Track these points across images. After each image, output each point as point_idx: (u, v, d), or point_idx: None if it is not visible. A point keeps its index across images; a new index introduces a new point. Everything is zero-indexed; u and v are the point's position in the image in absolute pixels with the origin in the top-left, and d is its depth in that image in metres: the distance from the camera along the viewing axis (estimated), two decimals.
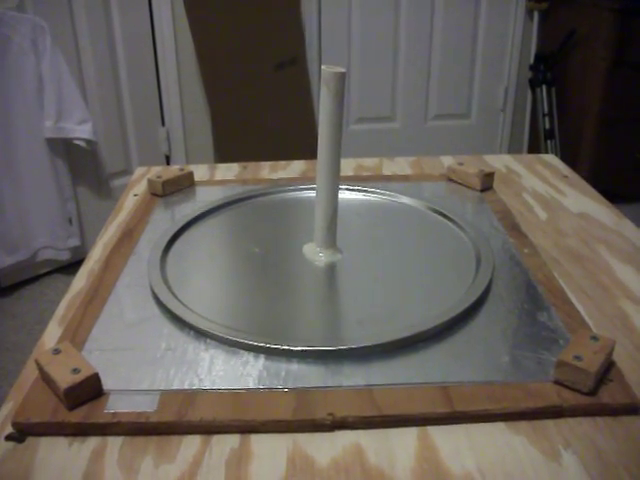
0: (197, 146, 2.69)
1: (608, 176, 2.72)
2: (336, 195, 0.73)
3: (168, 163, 2.68)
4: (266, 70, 2.51)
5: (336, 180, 0.72)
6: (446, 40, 2.84)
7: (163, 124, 2.61)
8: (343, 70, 0.67)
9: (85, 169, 2.35)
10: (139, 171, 1.10)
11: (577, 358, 0.55)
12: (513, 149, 3.06)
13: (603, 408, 0.54)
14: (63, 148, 2.21)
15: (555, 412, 0.54)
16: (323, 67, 0.67)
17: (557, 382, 0.56)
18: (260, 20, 2.49)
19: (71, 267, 2.38)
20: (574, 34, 2.64)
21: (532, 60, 2.87)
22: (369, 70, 2.83)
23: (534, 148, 2.95)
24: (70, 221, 2.29)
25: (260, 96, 2.51)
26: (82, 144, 2.19)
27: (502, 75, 2.94)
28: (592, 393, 0.54)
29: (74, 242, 2.31)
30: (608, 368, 0.57)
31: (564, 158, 2.76)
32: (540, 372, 0.57)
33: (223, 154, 2.63)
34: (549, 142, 2.79)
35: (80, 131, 2.14)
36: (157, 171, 1.02)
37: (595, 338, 0.58)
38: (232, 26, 2.44)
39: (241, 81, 2.44)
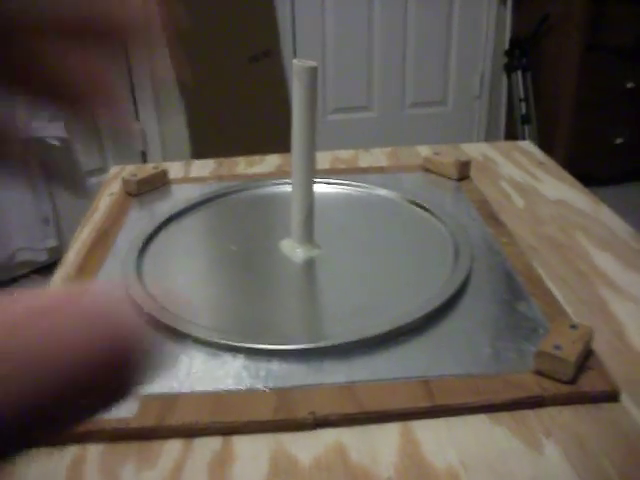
0: (173, 141, 2.67)
1: (585, 160, 2.74)
2: (312, 190, 0.72)
3: (144, 159, 2.66)
4: (240, 63, 2.50)
5: (311, 175, 0.71)
6: (420, 27, 2.83)
7: (137, 119, 2.59)
8: (315, 64, 0.67)
9: (59, 168, 2.32)
10: (114, 170, 1.09)
11: (556, 347, 0.55)
12: (490, 135, 3.08)
13: (583, 396, 0.54)
14: (35, 147, 2.18)
15: (536, 402, 0.54)
16: (294, 61, 0.67)
17: (537, 372, 0.56)
18: (232, 12, 2.48)
19: (49, 268, 2.36)
20: (547, 18, 2.65)
21: (507, 46, 2.88)
22: (344, 60, 2.83)
23: (511, 133, 2.96)
24: (47, 221, 2.27)
25: (234, 89, 2.50)
26: (55, 142, 2.16)
27: (477, 61, 2.95)
28: (572, 382, 0.55)
29: (51, 242, 2.29)
30: (587, 356, 0.58)
31: (541, 143, 2.78)
32: (520, 363, 0.57)
33: (199, 148, 2.61)
34: (526, 127, 2.80)
35: (52, 129, 2.11)
36: (131, 170, 1.01)
37: (574, 327, 0.58)
38: (204, 19, 2.42)
39: (215, 74, 2.42)
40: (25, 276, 2.35)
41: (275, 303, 0.68)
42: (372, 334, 0.59)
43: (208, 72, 2.43)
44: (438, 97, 2.99)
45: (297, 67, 0.66)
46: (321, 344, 0.59)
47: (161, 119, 2.61)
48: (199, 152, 2.61)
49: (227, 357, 0.59)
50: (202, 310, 0.67)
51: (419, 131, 3.01)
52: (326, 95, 2.88)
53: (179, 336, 0.62)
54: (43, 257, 2.30)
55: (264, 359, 0.59)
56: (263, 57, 2.57)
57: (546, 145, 2.77)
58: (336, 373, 0.57)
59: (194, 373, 0.58)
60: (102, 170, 2.44)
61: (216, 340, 0.60)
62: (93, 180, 2.42)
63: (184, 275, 0.74)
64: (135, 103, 2.56)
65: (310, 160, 0.70)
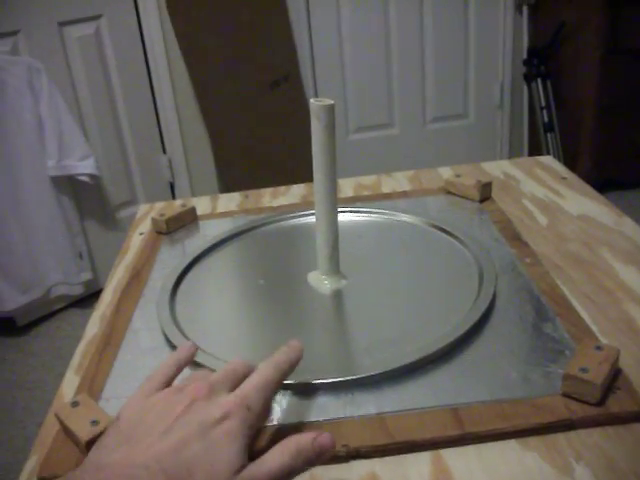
0: (200, 171, 2.71)
1: (610, 165, 2.73)
2: (336, 223, 0.74)
3: (172, 190, 2.71)
4: (261, 89, 2.54)
5: (334, 209, 0.73)
6: (437, 42, 2.85)
7: (164, 152, 2.64)
8: (332, 102, 0.69)
9: (91, 203, 2.38)
10: (143, 208, 1.12)
11: (583, 370, 0.56)
12: (513, 145, 3.07)
13: (612, 418, 0.55)
14: (68, 184, 2.24)
15: (565, 425, 0.55)
16: (311, 101, 0.69)
17: (565, 395, 0.57)
18: (251, 40, 2.52)
19: (85, 300, 2.41)
20: (564, 25, 2.65)
21: (525, 55, 2.88)
22: (364, 79, 2.85)
23: (534, 142, 2.96)
24: (80, 255, 2.32)
25: (258, 115, 2.53)
26: (86, 179, 2.22)
27: (496, 72, 2.95)
28: (600, 403, 0.55)
29: (86, 276, 2.34)
30: (615, 376, 0.58)
31: (565, 150, 2.77)
32: (548, 386, 0.58)
33: (225, 176, 2.65)
34: (549, 135, 2.80)
35: (83, 167, 2.16)
36: (160, 208, 1.04)
37: (599, 348, 0.59)
38: (223, 48, 2.46)
39: (237, 101, 2.46)
40: (63, 310, 2.41)
41: (304, 336, 0.69)
42: (399, 364, 0.61)
43: (231, 99, 2.47)
44: (459, 110, 3.00)
45: (314, 106, 0.68)
46: (350, 377, 0.60)
47: (187, 149, 2.65)
48: (226, 180, 2.64)
49: None
50: (235, 347, 0.69)
51: (442, 145, 3.02)
52: (347, 114, 2.91)
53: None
54: (79, 290, 2.35)
55: (296, 393, 0.60)
56: (283, 82, 2.61)
57: (570, 152, 2.76)
58: (366, 404, 0.58)
59: None
60: (132, 202, 2.49)
61: None
62: (123, 212, 2.47)
63: (216, 312, 0.76)
64: (161, 134, 2.61)
65: (332, 194, 0.72)
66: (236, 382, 0.47)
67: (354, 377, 0.60)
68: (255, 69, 2.52)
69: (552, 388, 0.58)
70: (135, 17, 2.42)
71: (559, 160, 2.79)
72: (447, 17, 2.82)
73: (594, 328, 0.67)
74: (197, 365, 0.65)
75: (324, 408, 0.58)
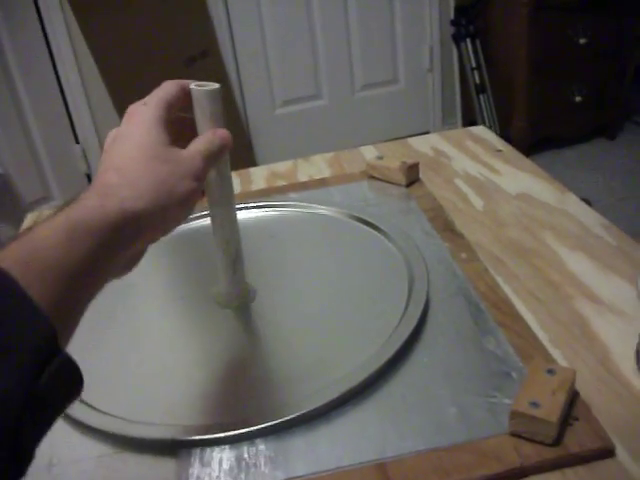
0: None
1: (546, 122, 2.66)
2: (236, 229, 0.61)
3: (90, 181, 2.53)
4: (176, 67, 2.37)
5: (232, 212, 0.61)
6: (362, 7, 2.72)
7: (77, 141, 2.45)
8: (216, 85, 0.56)
9: (0, 204, 2.19)
10: (30, 218, 0.98)
11: (534, 405, 0.45)
12: (446, 108, 2.98)
13: (571, 458, 0.45)
14: None
15: (516, 474, 0.45)
16: (192, 86, 0.56)
17: (514, 434, 0.46)
18: (162, 17, 2.35)
19: None
20: None
21: (452, 15, 2.78)
22: (287, 50, 2.71)
23: (467, 105, 2.87)
24: None
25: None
26: None
27: (424, 34, 2.84)
28: (556, 442, 0.45)
29: None
30: (572, 402, 0.48)
31: (499, 110, 2.69)
32: (493, 422, 0.48)
33: None
34: (481, 96, 2.71)
35: None
36: (49, 215, 0.90)
37: (552, 371, 0.48)
38: (131, 27, 2.29)
39: (151, 81, 2.26)
40: None
41: (203, 375, 0.57)
42: (312, 407, 0.49)
43: (142, 78, 2.29)
44: (388, 76, 2.88)
45: (196, 92, 0.56)
46: (252, 427, 0.49)
47: (101, 137, 2.47)
48: None
49: (149, 453, 0.49)
50: (122, 395, 0.56)
51: (373, 113, 2.91)
52: (273, 89, 2.76)
53: (99, 435, 0.52)
54: None
55: (183, 454, 0.48)
56: (200, 58, 2.45)
57: (505, 112, 2.69)
58: (272, 465, 0.47)
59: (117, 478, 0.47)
60: (47, 199, 2.31)
61: (135, 435, 0.50)
62: (39, 210, 2.29)
63: (99, 346, 0.63)
64: (72, 123, 2.42)
65: (227, 195, 0.59)
66: None
67: (256, 428, 0.49)
68: (167, 46, 2.35)
69: (498, 425, 0.47)
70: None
71: (493, 121, 2.72)
72: None
73: (543, 335, 0.58)
74: (76, 424, 0.53)
75: (223, 471, 0.47)
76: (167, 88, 0.53)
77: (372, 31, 2.77)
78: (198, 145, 0.51)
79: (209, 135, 0.53)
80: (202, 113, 0.56)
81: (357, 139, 2.66)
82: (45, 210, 0.99)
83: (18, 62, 2.19)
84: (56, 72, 2.33)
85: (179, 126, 0.53)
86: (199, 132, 0.57)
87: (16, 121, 2.20)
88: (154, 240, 0.48)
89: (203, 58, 2.45)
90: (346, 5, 2.70)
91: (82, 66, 2.35)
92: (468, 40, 2.70)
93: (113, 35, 2.27)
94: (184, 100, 0.53)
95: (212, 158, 0.52)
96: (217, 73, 2.52)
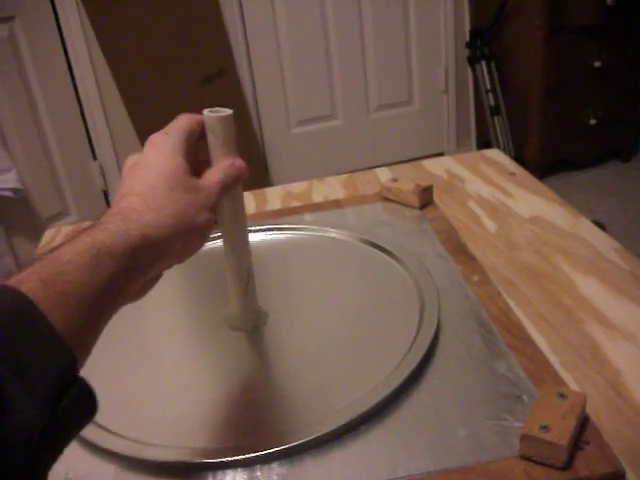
0: None
1: (560, 145, 2.66)
2: (247, 253, 0.62)
3: (106, 198, 2.55)
4: (193, 86, 2.40)
5: (244, 237, 0.62)
6: (377, 28, 2.74)
7: (95, 158, 2.49)
8: (229, 112, 0.57)
9: (18, 219, 2.21)
10: (48, 234, 0.99)
11: (544, 428, 0.46)
12: (461, 130, 2.99)
13: None
14: None
15: None
16: (205, 112, 0.57)
17: (524, 457, 0.47)
18: (180, 36, 2.38)
19: None
20: (505, 5, 2.57)
21: (468, 37, 2.79)
22: (303, 71, 2.73)
23: (481, 126, 2.88)
24: (9, 275, 2.16)
25: (190, 112, 2.39)
26: (9, 194, 2.06)
27: (439, 56, 2.86)
28: (567, 467, 0.46)
29: None
30: (582, 426, 0.48)
31: (513, 133, 2.70)
32: (504, 445, 0.48)
33: None
34: (496, 118, 2.72)
35: (4, 181, 2.01)
36: (68, 232, 0.91)
37: (563, 395, 0.49)
38: (149, 45, 2.32)
39: (168, 99, 2.31)
40: None
41: (214, 398, 0.58)
42: (325, 431, 0.50)
43: (160, 97, 2.32)
44: (403, 97, 2.90)
45: (208, 119, 0.57)
46: (264, 451, 0.49)
47: (119, 154, 2.50)
48: None
49: (152, 476, 0.50)
50: (131, 417, 0.57)
51: (388, 134, 2.92)
52: (288, 108, 2.79)
53: (109, 456, 0.52)
54: None
55: (194, 476, 0.49)
56: (217, 77, 2.47)
57: (519, 134, 2.69)
58: None
59: None
60: (63, 214, 2.34)
61: (145, 457, 0.51)
62: (55, 226, 2.32)
63: (110, 368, 0.64)
64: (90, 140, 2.45)
65: (239, 219, 0.61)
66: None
67: (268, 451, 0.49)
68: (185, 65, 2.38)
69: (509, 448, 0.48)
70: (53, 17, 2.26)
71: (507, 143, 2.72)
72: (386, 3, 2.72)
73: (554, 359, 0.58)
74: (87, 444, 0.54)
75: None
76: (185, 120, 0.54)
77: (387, 52, 2.79)
78: (215, 176, 0.52)
79: (226, 166, 0.54)
80: (215, 139, 0.57)
81: (371, 159, 2.68)
82: (63, 227, 1.00)
83: (38, 79, 2.23)
84: (75, 90, 2.37)
85: (194, 154, 0.54)
86: (212, 158, 0.58)
87: (35, 137, 2.23)
88: (169, 267, 0.49)
89: (220, 77, 2.48)
90: (362, 26, 2.73)
91: (101, 84, 2.38)
92: (483, 62, 2.71)
93: (132, 53, 2.31)
94: (201, 131, 0.55)
95: (227, 189, 0.53)
96: (233, 92, 2.54)
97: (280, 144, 2.78)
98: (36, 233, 2.27)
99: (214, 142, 0.57)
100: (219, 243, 0.79)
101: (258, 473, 0.49)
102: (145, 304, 0.70)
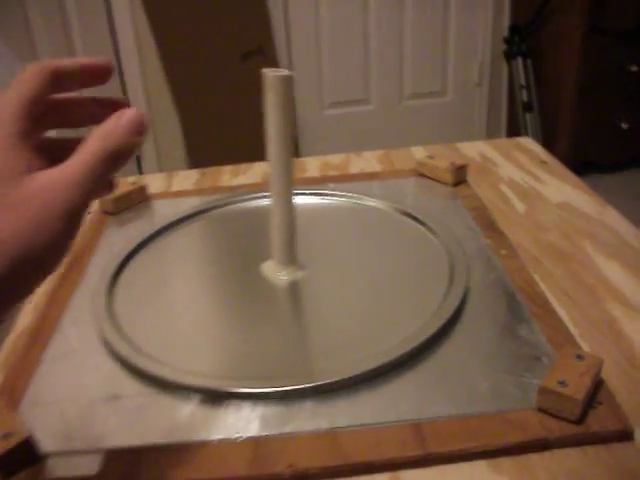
0: (168, 143, 2.61)
1: (590, 147, 2.67)
2: (292, 208, 0.67)
3: (139, 164, 2.60)
4: (232, 61, 2.44)
5: (289, 192, 0.66)
6: (417, 16, 2.76)
7: None
8: (289, 73, 0.61)
9: None
10: None
11: (561, 383, 0.49)
12: (491, 124, 3.00)
13: (592, 437, 0.49)
14: None
15: (540, 445, 0.49)
16: (265, 71, 0.61)
17: (541, 410, 0.50)
18: (223, 9, 2.41)
19: None
20: (547, 3, 2.58)
21: (506, 32, 2.81)
22: (340, 53, 2.76)
23: (512, 122, 2.89)
24: None
25: (227, 88, 2.44)
26: None
27: (476, 49, 2.88)
28: (580, 421, 0.49)
29: None
30: (597, 388, 0.52)
31: (544, 130, 2.71)
32: (522, 398, 0.52)
33: (194, 150, 2.56)
34: (527, 115, 2.74)
35: None
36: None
37: (581, 357, 0.52)
38: (194, 18, 2.36)
39: (207, 73, 2.36)
40: None
41: (254, 337, 0.62)
42: (357, 372, 0.54)
43: (200, 70, 2.37)
44: (437, 87, 2.92)
45: (269, 77, 0.61)
46: (302, 385, 0.53)
47: (155, 121, 2.55)
48: (194, 152, 2.55)
49: (201, 403, 0.54)
50: (176, 349, 0.61)
51: (418, 123, 2.95)
52: (322, 89, 2.82)
53: (151, 380, 0.57)
54: None
55: (239, 404, 0.53)
56: (256, 54, 2.51)
57: (549, 133, 2.71)
58: (318, 418, 0.51)
59: (165, 422, 0.52)
60: None
61: (190, 384, 0.55)
62: None
63: (159, 306, 0.69)
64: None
65: (288, 177, 0.65)
66: None
67: (306, 385, 0.53)
68: (225, 40, 2.42)
69: (526, 401, 0.51)
70: None
71: (538, 141, 2.74)
72: None
73: (574, 331, 0.61)
74: (132, 369, 0.58)
75: (269, 421, 0.51)
76: (28, 81, 0.37)
77: (425, 41, 2.81)
78: (81, 157, 0.36)
79: (108, 127, 0.37)
80: (276, 97, 0.61)
81: (401, 146, 2.70)
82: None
83: (83, 43, 2.28)
84: (117, 56, 2.42)
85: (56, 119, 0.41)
86: (268, 119, 0.62)
87: None
88: (22, 299, 0.36)
89: (258, 54, 2.52)
90: (402, 15, 2.75)
91: (142, 51, 2.44)
92: (519, 58, 2.72)
93: (176, 23, 2.35)
94: (55, 87, 0.39)
95: (111, 161, 0.36)
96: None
97: (312, 124, 2.81)
98: None
99: (273, 101, 0.60)
100: (262, 202, 0.84)
101: (291, 404, 0.53)
102: (191, 249, 0.75)
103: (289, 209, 0.66)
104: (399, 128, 2.93)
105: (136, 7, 2.35)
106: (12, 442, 0.49)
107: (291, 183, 0.65)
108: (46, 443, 0.51)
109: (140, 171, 2.60)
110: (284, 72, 0.61)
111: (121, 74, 2.45)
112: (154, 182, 1.00)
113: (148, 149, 2.59)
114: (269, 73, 0.61)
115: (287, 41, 2.68)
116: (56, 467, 0.49)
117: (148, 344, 0.61)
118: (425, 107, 2.94)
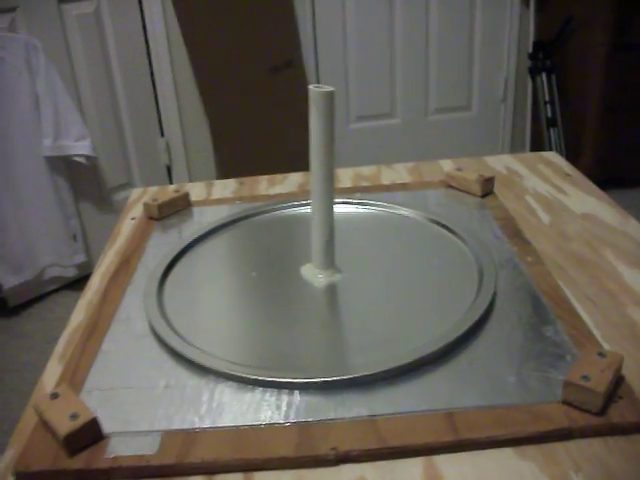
0: (198, 155, 2.68)
1: (614, 162, 2.69)
2: (331, 215, 0.72)
3: (169, 173, 2.67)
4: (262, 74, 2.50)
5: (331, 200, 0.71)
6: (443, 32, 2.81)
7: (162, 134, 2.61)
8: (332, 89, 0.66)
9: (87, 185, 2.34)
10: (135, 193, 1.09)
11: (584, 378, 0.53)
12: (515, 139, 3.04)
13: (613, 428, 0.53)
14: (63, 165, 2.20)
15: (564, 434, 0.53)
16: (310, 87, 0.66)
17: (565, 402, 0.54)
18: (253, 24, 2.48)
19: (79, 282, 2.38)
20: (571, 20, 2.61)
21: (531, 48, 2.84)
22: (366, 68, 2.82)
23: (536, 137, 2.92)
24: (74, 237, 2.29)
25: (257, 101, 2.50)
26: (82, 160, 2.18)
27: (501, 65, 2.92)
28: (601, 413, 0.53)
29: (80, 258, 2.31)
30: (617, 384, 0.56)
31: (568, 146, 2.74)
32: (547, 392, 0.56)
33: (223, 161, 2.62)
34: (552, 130, 2.76)
35: (79, 148, 2.13)
36: (153, 193, 1.01)
37: (602, 354, 0.56)
38: (225, 32, 2.43)
39: (237, 86, 2.43)
40: (55, 292, 2.38)
41: (296, 333, 0.67)
42: (393, 365, 0.58)
43: (230, 83, 2.43)
44: (462, 102, 2.96)
45: (314, 93, 0.66)
46: (342, 376, 0.58)
47: (186, 133, 2.62)
48: (224, 165, 2.61)
49: (248, 391, 0.59)
50: (223, 342, 0.66)
51: (444, 137, 2.99)
52: (349, 103, 2.87)
53: (201, 370, 0.62)
54: (72, 273, 2.32)
55: (285, 392, 0.58)
56: (285, 68, 2.57)
57: (573, 148, 2.73)
58: (358, 406, 0.56)
59: (215, 408, 0.57)
60: (128, 185, 2.46)
61: (236, 373, 0.60)
62: (119, 195, 2.44)
63: (205, 304, 0.74)
64: (159, 117, 2.57)
65: (329, 185, 0.70)
66: None
67: (346, 377, 0.58)
68: (256, 53, 2.49)
69: (551, 395, 0.55)
70: None
71: (561, 156, 2.77)
72: (453, 8, 2.78)
73: (596, 333, 0.65)
74: (183, 360, 0.63)
75: (313, 408, 0.56)
76: None
77: (450, 57, 2.85)
78: None
79: None
80: (317, 112, 0.66)
81: (425, 159, 2.75)
82: (149, 188, 1.10)
83: (118, 57, 2.35)
84: (151, 68, 2.49)
85: None
86: (312, 130, 0.67)
87: (110, 111, 2.35)
88: None
89: (287, 68, 2.58)
90: (427, 30, 2.80)
91: (175, 64, 2.51)
92: (544, 74, 2.75)
93: (209, 37, 2.42)
94: None
95: None
96: (299, 83, 2.64)
97: (338, 138, 2.85)
98: (101, 200, 2.40)
99: (315, 115, 0.65)
100: (305, 209, 0.88)
101: (333, 393, 0.57)
102: (237, 252, 0.80)
103: (329, 214, 0.71)
104: (424, 142, 2.98)
105: (170, 22, 2.43)
106: (79, 422, 0.54)
107: (332, 191, 0.70)
108: (106, 425, 0.56)
109: (170, 181, 2.67)
110: (327, 88, 0.65)
111: (154, 87, 2.52)
112: (194, 190, 1.05)
113: (179, 160, 2.66)
114: (313, 89, 0.66)
115: (315, 55, 2.75)
116: (119, 446, 0.54)
117: (197, 338, 0.65)
118: (450, 121, 2.98)
